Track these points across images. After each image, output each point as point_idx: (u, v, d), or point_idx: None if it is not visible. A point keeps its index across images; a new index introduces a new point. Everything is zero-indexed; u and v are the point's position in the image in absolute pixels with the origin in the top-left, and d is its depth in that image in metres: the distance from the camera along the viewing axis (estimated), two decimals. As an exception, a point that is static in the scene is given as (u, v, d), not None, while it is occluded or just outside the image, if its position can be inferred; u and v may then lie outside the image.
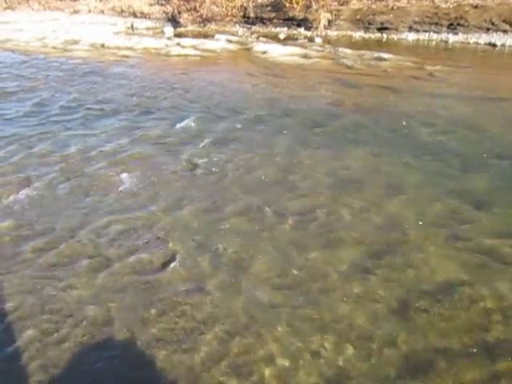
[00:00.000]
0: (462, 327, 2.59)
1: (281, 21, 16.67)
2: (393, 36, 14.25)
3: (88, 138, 5.84)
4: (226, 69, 11.16)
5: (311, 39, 14.47)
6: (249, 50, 13.25)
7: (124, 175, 4.69)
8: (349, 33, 15.18)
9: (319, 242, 3.43)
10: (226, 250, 3.37)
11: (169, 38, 15.98)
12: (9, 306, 2.86)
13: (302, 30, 16.02)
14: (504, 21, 12.40)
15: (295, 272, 3.11)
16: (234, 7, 17.72)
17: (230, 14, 17.85)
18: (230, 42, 14.65)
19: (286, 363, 2.40)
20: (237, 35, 16.24)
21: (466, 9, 13.22)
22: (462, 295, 2.83)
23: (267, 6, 17.02)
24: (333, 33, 15.40)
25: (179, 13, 18.77)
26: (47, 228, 3.74)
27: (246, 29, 17.27)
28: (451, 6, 13.65)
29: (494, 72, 9.39)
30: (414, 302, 2.80)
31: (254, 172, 4.70)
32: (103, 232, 3.66)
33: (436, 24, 13.56)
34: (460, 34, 13.05)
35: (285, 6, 16.06)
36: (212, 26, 18.29)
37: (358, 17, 15.09)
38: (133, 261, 3.28)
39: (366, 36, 14.78)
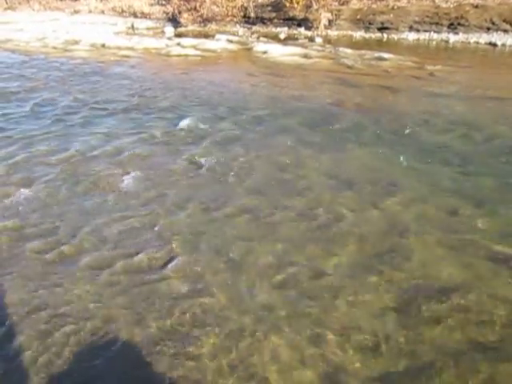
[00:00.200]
0: (463, 327, 2.59)
1: (281, 21, 16.68)
2: (393, 36, 14.25)
3: (89, 138, 5.85)
4: (227, 69, 11.17)
5: (312, 39, 14.47)
6: (249, 49, 13.25)
7: (125, 175, 4.69)
8: (349, 32, 15.17)
9: (319, 242, 3.43)
10: (227, 250, 3.37)
11: (169, 38, 15.99)
12: (9, 305, 2.87)
13: (302, 29, 16.02)
14: (504, 20, 12.39)
15: (295, 271, 3.11)
16: (235, 7, 17.73)
17: (230, 13, 17.86)
18: (231, 41, 14.65)
19: (286, 362, 2.40)
20: (237, 35, 16.24)
21: (467, 8, 13.21)
22: (462, 295, 2.83)
23: (268, 5, 17.02)
24: (333, 32, 15.39)
25: (179, 13, 18.77)
26: (48, 228, 3.74)
27: (246, 29, 17.27)
28: (452, 6, 13.64)
29: (495, 72, 9.39)
30: (414, 301, 2.80)
31: (254, 172, 4.70)
32: (104, 232, 3.67)
33: (436, 24, 13.55)
34: (460, 34, 13.04)
35: (285, 6, 16.06)
36: (212, 26, 18.29)
37: (358, 16, 15.09)
38: (134, 260, 3.28)
39: (367, 36, 14.78)
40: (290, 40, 14.72)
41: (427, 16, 13.76)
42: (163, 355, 2.48)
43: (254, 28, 17.21)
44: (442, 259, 3.19)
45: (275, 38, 15.33)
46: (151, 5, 21.05)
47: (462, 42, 12.87)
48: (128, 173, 4.74)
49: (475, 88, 7.84)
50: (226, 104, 7.40)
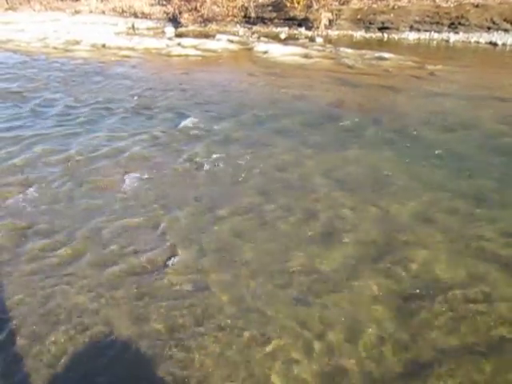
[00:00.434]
0: (463, 327, 2.59)
1: (282, 21, 16.68)
2: (394, 35, 14.24)
3: (90, 138, 5.86)
4: (227, 69, 11.17)
5: (312, 39, 14.47)
6: (250, 49, 13.25)
7: (125, 175, 4.70)
8: (350, 32, 15.17)
9: (319, 241, 3.44)
10: (227, 249, 3.38)
11: (170, 38, 16.00)
12: (9, 305, 2.87)
13: (302, 29, 16.02)
14: (505, 20, 12.38)
15: (296, 270, 3.12)
16: (235, 7, 17.73)
17: (230, 13, 17.86)
18: (231, 41, 14.66)
19: (287, 361, 2.41)
20: (238, 35, 16.25)
21: (467, 8, 13.20)
22: (462, 294, 2.83)
23: (268, 5, 17.02)
24: (334, 32, 15.39)
25: (180, 13, 18.78)
26: (49, 228, 3.75)
27: (246, 29, 17.28)
28: (452, 6, 13.63)
29: (495, 71, 9.38)
30: (415, 300, 2.80)
31: (255, 171, 4.71)
32: (105, 231, 3.68)
33: (437, 23, 13.55)
34: (461, 34, 13.03)
35: (286, 6, 16.06)
36: (213, 26, 18.30)
37: (358, 16, 15.08)
38: (134, 260, 3.29)
39: (367, 35, 14.77)
40: (290, 40, 14.72)
41: (428, 16, 13.75)
42: (163, 355, 2.48)
43: (255, 28, 17.21)
44: (442, 259, 3.19)
45: (276, 37, 15.33)
46: (152, 5, 21.06)
47: (463, 41, 12.86)
48: (128, 172, 4.75)
49: (476, 87, 7.84)
50: (226, 104, 7.41)
